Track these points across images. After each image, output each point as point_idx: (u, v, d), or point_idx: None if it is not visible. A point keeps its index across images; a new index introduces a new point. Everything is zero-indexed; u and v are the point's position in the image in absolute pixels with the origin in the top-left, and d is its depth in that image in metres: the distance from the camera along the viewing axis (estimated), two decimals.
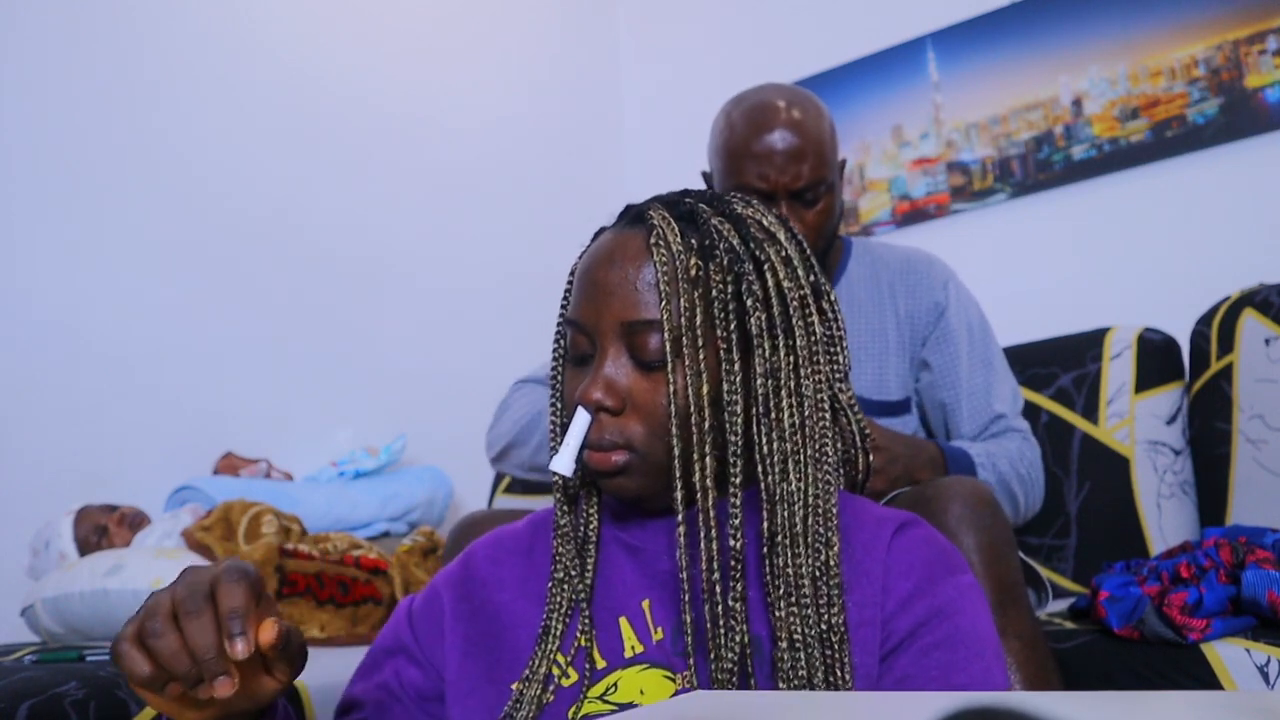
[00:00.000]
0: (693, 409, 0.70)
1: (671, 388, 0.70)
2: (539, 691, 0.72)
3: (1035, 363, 1.76)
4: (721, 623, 0.68)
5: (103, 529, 1.70)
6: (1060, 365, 1.74)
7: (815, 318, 0.74)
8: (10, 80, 1.87)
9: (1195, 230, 2.13)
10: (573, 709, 0.72)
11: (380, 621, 1.57)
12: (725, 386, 0.70)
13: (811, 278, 0.76)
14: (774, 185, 1.30)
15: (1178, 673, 1.08)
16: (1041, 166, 2.34)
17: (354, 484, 2.01)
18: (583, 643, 0.74)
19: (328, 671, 1.30)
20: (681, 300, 0.70)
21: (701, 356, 0.70)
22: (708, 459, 0.70)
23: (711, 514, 0.70)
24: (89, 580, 1.47)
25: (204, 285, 2.08)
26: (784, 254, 0.74)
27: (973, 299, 1.49)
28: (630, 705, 0.70)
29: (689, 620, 0.69)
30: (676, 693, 0.70)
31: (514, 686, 0.74)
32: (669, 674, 0.72)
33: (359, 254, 2.35)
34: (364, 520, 1.97)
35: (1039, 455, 1.41)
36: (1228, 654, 1.07)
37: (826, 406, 0.73)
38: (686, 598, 0.69)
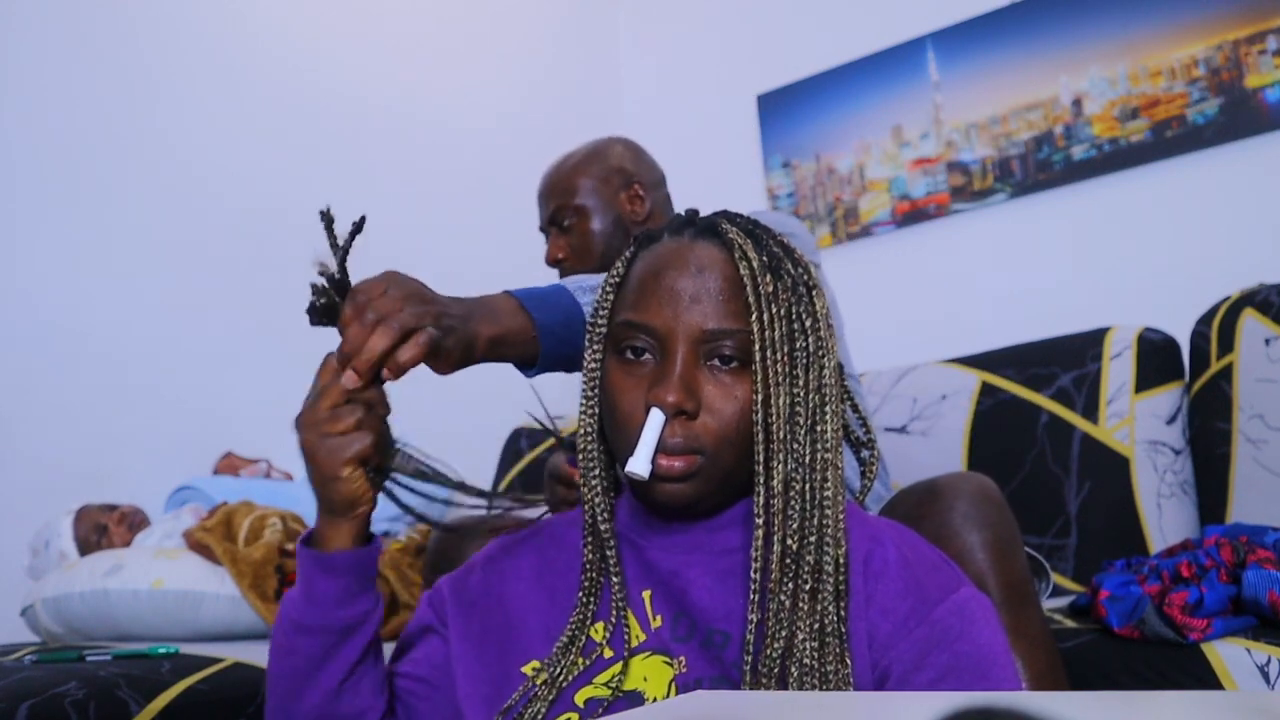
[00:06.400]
0: (774, 414, 0.74)
1: (759, 396, 0.74)
2: (550, 695, 0.74)
3: (1035, 363, 1.76)
4: (773, 619, 0.71)
5: (103, 529, 1.70)
6: (1060, 365, 1.74)
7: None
8: (11, 80, 1.87)
9: (1195, 230, 2.13)
10: (579, 694, 0.75)
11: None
12: (791, 397, 0.75)
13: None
14: (542, 225, 1.57)
15: (1178, 673, 1.08)
16: (1041, 166, 2.34)
17: None
18: (605, 652, 0.77)
19: None
20: (765, 313, 0.75)
21: (780, 367, 0.75)
22: (788, 459, 0.74)
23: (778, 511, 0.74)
24: (89, 580, 1.47)
25: (204, 285, 2.08)
26: (818, 288, 0.80)
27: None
28: (635, 692, 0.74)
29: (754, 618, 0.72)
30: (675, 678, 0.73)
31: (525, 671, 0.77)
32: (667, 660, 0.75)
33: (359, 254, 2.35)
34: None
35: None
36: (1228, 654, 1.07)
37: (841, 425, 0.79)
38: (755, 591, 0.72)
